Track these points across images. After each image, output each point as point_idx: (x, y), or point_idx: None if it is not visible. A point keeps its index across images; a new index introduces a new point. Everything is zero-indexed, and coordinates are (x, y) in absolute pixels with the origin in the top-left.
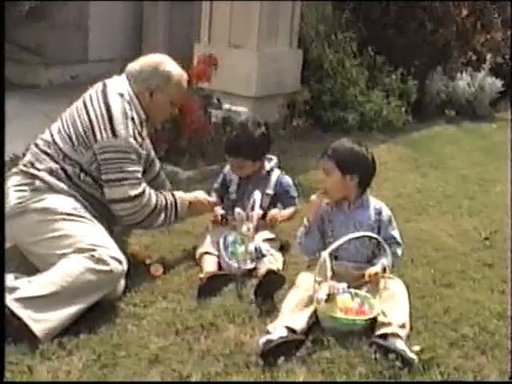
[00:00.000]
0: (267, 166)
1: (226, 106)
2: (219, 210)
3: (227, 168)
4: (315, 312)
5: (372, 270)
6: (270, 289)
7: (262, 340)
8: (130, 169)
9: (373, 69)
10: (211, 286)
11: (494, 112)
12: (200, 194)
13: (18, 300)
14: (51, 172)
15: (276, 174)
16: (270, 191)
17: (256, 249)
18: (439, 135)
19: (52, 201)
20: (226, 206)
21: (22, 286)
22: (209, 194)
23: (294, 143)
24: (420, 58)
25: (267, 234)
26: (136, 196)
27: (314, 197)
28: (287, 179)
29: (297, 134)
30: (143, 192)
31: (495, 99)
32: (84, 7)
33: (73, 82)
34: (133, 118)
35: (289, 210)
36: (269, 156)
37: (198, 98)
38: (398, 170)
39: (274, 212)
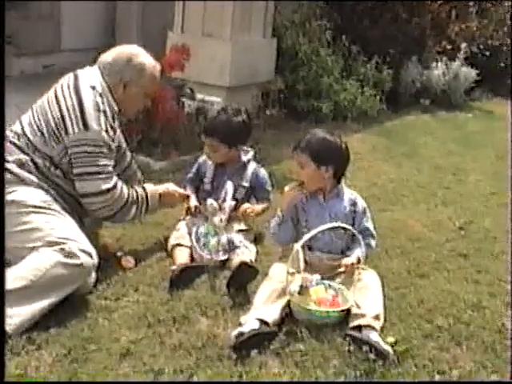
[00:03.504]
0: (244, 157)
1: (200, 96)
2: (191, 201)
3: (202, 158)
4: (288, 304)
5: (348, 260)
6: (243, 281)
7: (234, 333)
8: (101, 163)
9: (347, 58)
10: (183, 278)
11: (469, 101)
12: (171, 186)
13: None
14: (21, 164)
15: (252, 166)
16: (245, 183)
17: (229, 240)
18: (414, 125)
19: (21, 193)
20: (200, 196)
21: None
22: (180, 185)
23: (267, 133)
24: (395, 47)
25: (240, 225)
26: (108, 190)
27: (287, 188)
28: (263, 172)
29: (271, 124)
30: (115, 186)
31: (470, 88)
32: None
33: (45, 71)
34: (105, 111)
35: (262, 205)
36: (245, 148)
37: (170, 88)
38: (371, 159)
39: (246, 206)
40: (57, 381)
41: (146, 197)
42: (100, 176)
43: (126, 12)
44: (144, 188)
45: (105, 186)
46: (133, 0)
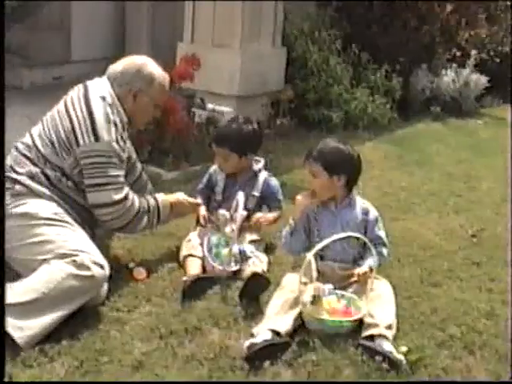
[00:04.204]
0: (255, 167)
1: (210, 105)
2: (202, 211)
3: (213, 168)
4: (301, 314)
5: (360, 269)
6: (255, 291)
7: (247, 343)
8: (112, 173)
9: (357, 66)
10: (195, 289)
11: (480, 108)
12: (181, 195)
13: None
14: (32, 176)
15: (263, 175)
16: (256, 193)
17: (240, 251)
18: (424, 132)
19: (33, 205)
20: (212, 207)
21: None
22: (191, 195)
23: (278, 142)
24: (404, 55)
25: (252, 236)
26: (119, 200)
27: (299, 197)
28: (274, 182)
29: (281, 133)
30: (126, 196)
31: (480, 95)
32: (66, 7)
33: (55, 83)
34: (115, 122)
35: (273, 214)
36: (256, 158)
37: (181, 98)
38: (383, 168)
39: (258, 215)
40: (57, 381)
41: (158, 207)
42: (111, 187)
43: (135, 22)
44: (155, 198)
45: (116, 197)
46: (142, 10)
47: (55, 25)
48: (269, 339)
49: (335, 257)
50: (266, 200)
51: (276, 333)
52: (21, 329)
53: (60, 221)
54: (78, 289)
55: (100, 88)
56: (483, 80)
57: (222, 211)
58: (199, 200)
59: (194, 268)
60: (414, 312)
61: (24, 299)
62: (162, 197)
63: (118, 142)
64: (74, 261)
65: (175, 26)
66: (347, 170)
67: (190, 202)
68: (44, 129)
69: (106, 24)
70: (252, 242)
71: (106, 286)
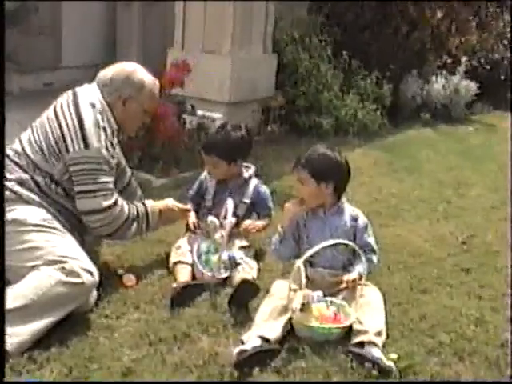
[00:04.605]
0: (245, 174)
1: (200, 112)
2: (192, 218)
3: (203, 175)
4: (290, 320)
5: (349, 276)
6: (245, 298)
7: (236, 350)
8: (102, 180)
9: (348, 73)
10: (184, 295)
11: (470, 115)
12: (170, 201)
13: None
14: (21, 182)
15: (254, 182)
16: (246, 200)
17: (230, 257)
18: (415, 139)
19: (22, 212)
20: (202, 213)
21: None
22: (179, 201)
23: (268, 148)
24: (395, 61)
25: (242, 242)
26: (108, 207)
27: (288, 204)
28: (265, 189)
29: (272, 140)
30: (116, 203)
31: (471, 102)
32: (56, 13)
33: (46, 89)
34: (105, 128)
35: (263, 221)
36: (247, 165)
37: (171, 105)
38: (373, 174)
39: (247, 222)
40: (57, 381)
41: (147, 213)
42: (101, 193)
43: (126, 28)
44: (144, 204)
45: (106, 203)
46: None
47: (46, 30)
48: (258, 346)
49: (325, 263)
50: (256, 207)
51: (265, 340)
52: (10, 335)
53: (49, 227)
54: (67, 295)
55: (90, 95)
56: (473, 87)
57: (211, 218)
58: (189, 206)
59: (183, 275)
60: (404, 319)
61: (13, 306)
62: (151, 203)
63: (107, 148)
64: (64, 267)
65: (166, 32)
66: (335, 177)
67: (179, 208)
68: (33, 135)
69: (96, 30)
70: (242, 248)
71: (95, 293)
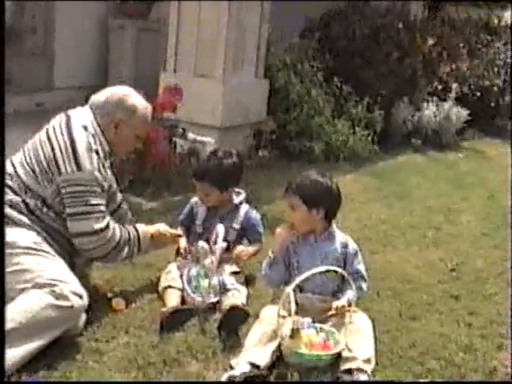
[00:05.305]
0: (236, 200)
1: (192, 136)
2: (183, 243)
3: (194, 199)
4: (279, 346)
5: (338, 303)
6: (234, 324)
7: (225, 376)
8: (94, 202)
9: (339, 98)
10: (174, 320)
11: (460, 141)
12: (162, 226)
13: None
14: (12, 205)
15: (244, 208)
16: (236, 225)
17: (220, 282)
18: (405, 165)
19: (12, 234)
20: (192, 238)
21: None
22: (171, 226)
23: (259, 173)
24: (386, 87)
25: (232, 267)
26: (100, 230)
27: (279, 229)
28: (255, 214)
29: (263, 164)
30: (107, 226)
31: (461, 129)
32: (49, 34)
33: (38, 109)
34: (97, 151)
35: (254, 247)
36: (237, 190)
37: (162, 128)
38: (363, 200)
39: (240, 249)
40: (57, 381)
41: (138, 237)
42: (92, 216)
43: (119, 51)
44: (136, 228)
45: (97, 226)
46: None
47: (39, 51)
48: (247, 371)
49: (314, 289)
50: (247, 232)
51: (255, 365)
52: None
53: (39, 250)
54: (56, 319)
55: (82, 117)
56: (464, 113)
57: (201, 243)
58: (180, 231)
59: (172, 299)
60: (393, 346)
61: None
62: (143, 227)
63: (99, 170)
64: (53, 291)
65: (158, 56)
66: (326, 203)
67: (170, 233)
68: (25, 157)
69: (89, 52)
70: (232, 274)
71: (84, 316)
